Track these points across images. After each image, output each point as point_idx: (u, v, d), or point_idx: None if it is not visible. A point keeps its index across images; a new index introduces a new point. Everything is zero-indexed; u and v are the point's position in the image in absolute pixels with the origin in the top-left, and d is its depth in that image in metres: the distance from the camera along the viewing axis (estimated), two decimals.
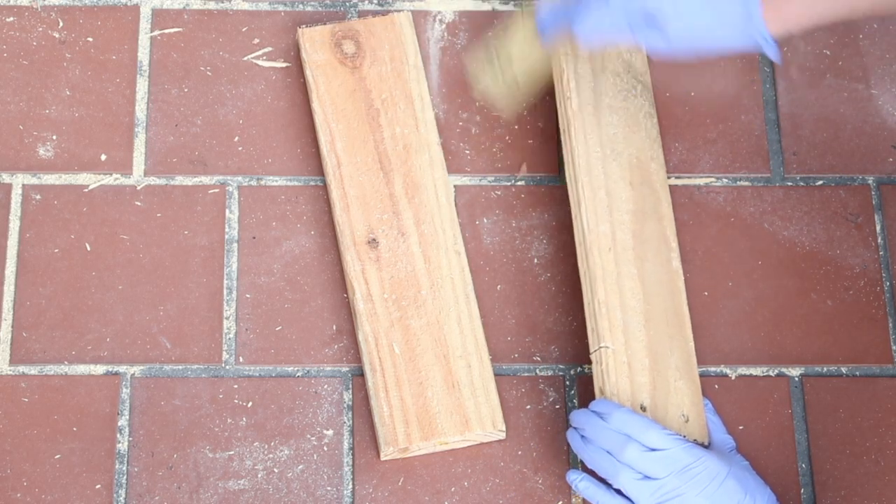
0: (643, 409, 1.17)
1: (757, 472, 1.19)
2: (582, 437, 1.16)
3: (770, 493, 1.15)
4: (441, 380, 1.22)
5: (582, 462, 1.20)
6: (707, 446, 1.18)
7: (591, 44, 1.20)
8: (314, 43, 1.34)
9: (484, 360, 1.23)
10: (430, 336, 1.23)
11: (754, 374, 1.26)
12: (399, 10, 1.38)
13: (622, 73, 1.30)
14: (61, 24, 1.37)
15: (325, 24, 1.35)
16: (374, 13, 1.38)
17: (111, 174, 1.32)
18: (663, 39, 1.15)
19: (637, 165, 1.26)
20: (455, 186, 1.31)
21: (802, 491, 1.21)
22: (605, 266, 1.21)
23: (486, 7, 1.39)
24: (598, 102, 1.28)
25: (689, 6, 1.14)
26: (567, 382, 1.25)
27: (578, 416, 1.17)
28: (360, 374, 1.25)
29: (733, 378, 1.25)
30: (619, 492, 1.14)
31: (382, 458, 1.20)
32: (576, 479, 1.16)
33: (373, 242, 1.26)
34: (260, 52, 1.37)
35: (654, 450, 1.12)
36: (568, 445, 1.23)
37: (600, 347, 1.19)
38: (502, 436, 1.21)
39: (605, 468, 1.13)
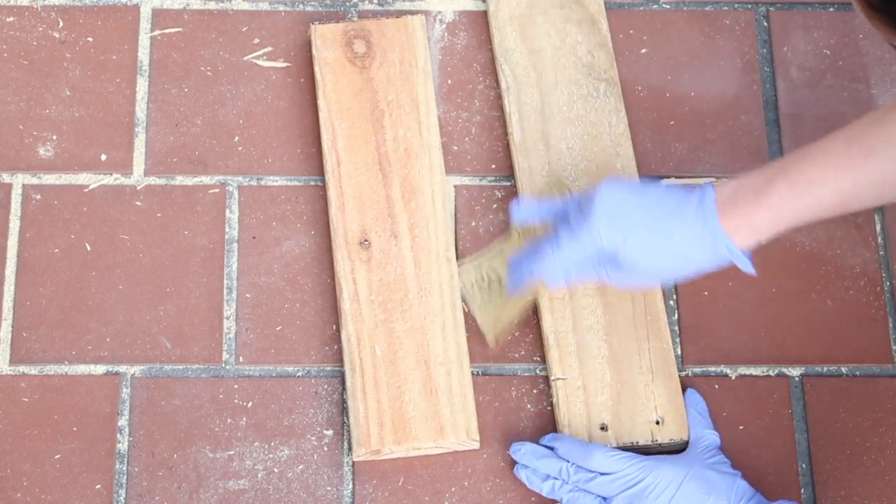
0: (603, 428, 1.20)
1: (755, 473, 1.19)
2: (535, 473, 1.19)
3: (743, 484, 1.15)
4: (420, 385, 1.22)
5: None
6: (686, 442, 1.20)
7: (560, 286, 1.21)
8: (325, 40, 1.34)
9: (464, 369, 1.22)
10: (413, 341, 1.23)
11: (754, 374, 1.26)
12: (401, 11, 1.38)
13: (581, 80, 1.31)
14: (61, 24, 1.37)
15: (336, 22, 1.35)
16: (375, 13, 1.38)
17: (111, 174, 1.32)
18: (630, 276, 1.15)
19: (596, 173, 1.27)
20: (455, 186, 1.31)
21: (802, 491, 1.21)
22: (553, 295, 1.24)
23: (486, 7, 1.39)
24: (547, 124, 1.29)
25: (646, 242, 1.13)
26: None
27: (528, 451, 1.19)
28: None
29: (733, 378, 1.25)
30: None
31: (354, 458, 1.20)
32: None
33: (365, 243, 1.26)
34: (260, 52, 1.37)
35: (603, 473, 1.15)
36: None
37: (554, 380, 1.22)
38: (476, 445, 1.21)
39: (563, 498, 1.17)
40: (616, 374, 1.22)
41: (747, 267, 1.13)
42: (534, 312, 1.26)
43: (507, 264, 1.22)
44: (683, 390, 1.22)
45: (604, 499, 1.16)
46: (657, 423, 1.20)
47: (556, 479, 1.17)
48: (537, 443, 1.20)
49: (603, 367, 1.22)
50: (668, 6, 1.40)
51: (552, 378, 1.22)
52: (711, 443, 1.19)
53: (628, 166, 1.29)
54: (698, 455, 1.18)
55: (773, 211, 1.11)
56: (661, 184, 1.15)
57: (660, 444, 1.20)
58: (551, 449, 1.19)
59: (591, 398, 1.21)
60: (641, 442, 1.20)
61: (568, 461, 1.17)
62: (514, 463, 1.21)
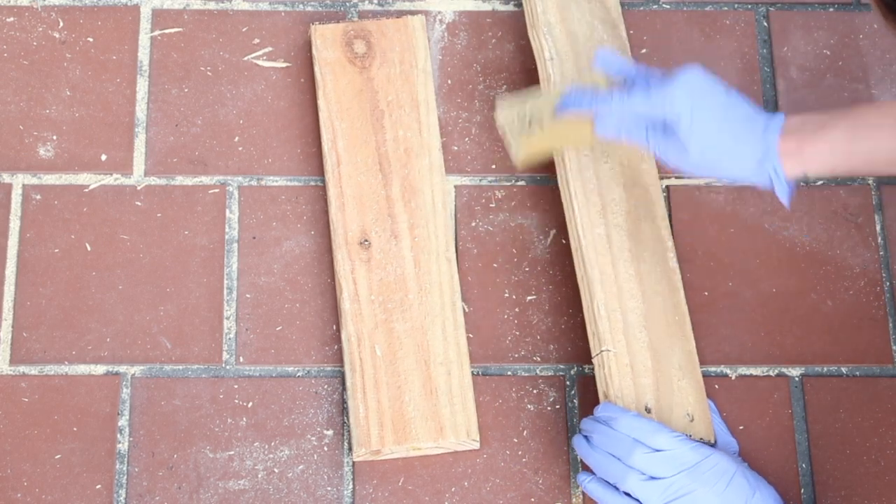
0: (648, 410, 1.17)
1: (756, 471, 1.19)
2: (588, 442, 1.16)
3: (776, 493, 1.15)
4: (420, 385, 1.22)
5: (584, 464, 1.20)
6: (713, 445, 1.19)
7: (608, 136, 1.19)
8: (325, 40, 1.34)
9: (464, 369, 1.22)
10: (413, 341, 1.23)
11: (754, 374, 1.26)
12: (401, 11, 1.38)
13: None
14: (61, 24, 1.37)
15: (336, 22, 1.35)
16: (375, 13, 1.38)
17: (111, 174, 1.32)
18: (677, 151, 1.16)
19: (628, 166, 1.27)
20: (455, 186, 1.31)
21: (802, 491, 1.21)
22: (603, 269, 1.22)
23: (487, 7, 1.39)
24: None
25: (708, 126, 1.14)
26: (567, 382, 1.25)
27: (586, 423, 1.17)
28: None
29: (733, 378, 1.25)
30: (628, 494, 1.13)
31: (354, 458, 1.20)
32: (585, 479, 1.16)
33: (365, 243, 1.26)
34: (260, 52, 1.37)
35: (661, 451, 1.12)
36: (568, 446, 1.23)
37: (602, 351, 1.19)
38: (476, 445, 1.21)
39: (613, 472, 1.13)
40: (655, 363, 1.20)
41: (783, 194, 1.15)
42: (544, 316, 1.26)
43: (552, 107, 1.21)
44: None
45: (652, 478, 1.12)
46: (691, 419, 1.18)
47: (605, 453, 1.14)
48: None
49: (644, 352, 1.20)
50: (668, 6, 1.40)
51: (601, 349, 1.20)
52: (736, 451, 1.19)
53: (652, 172, 1.28)
54: (734, 457, 1.18)
55: (828, 146, 1.13)
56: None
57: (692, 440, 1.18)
58: (603, 421, 1.16)
59: (637, 378, 1.19)
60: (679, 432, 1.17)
61: (626, 435, 1.14)
62: (514, 463, 1.22)
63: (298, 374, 1.25)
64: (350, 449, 1.22)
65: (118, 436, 1.23)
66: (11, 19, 1.37)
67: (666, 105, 1.14)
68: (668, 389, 1.19)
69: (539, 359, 1.26)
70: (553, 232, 1.30)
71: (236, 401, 1.24)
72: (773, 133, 1.14)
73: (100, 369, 1.25)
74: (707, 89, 1.15)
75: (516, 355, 1.26)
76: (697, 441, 1.14)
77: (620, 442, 1.13)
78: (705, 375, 1.25)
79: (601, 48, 1.25)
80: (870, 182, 1.32)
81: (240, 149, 1.33)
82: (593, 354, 1.20)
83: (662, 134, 1.16)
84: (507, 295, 1.28)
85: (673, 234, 1.29)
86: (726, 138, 1.15)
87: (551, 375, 1.25)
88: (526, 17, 1.33)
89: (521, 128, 1.21)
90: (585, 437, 1.16)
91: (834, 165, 1.14)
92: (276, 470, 1.22)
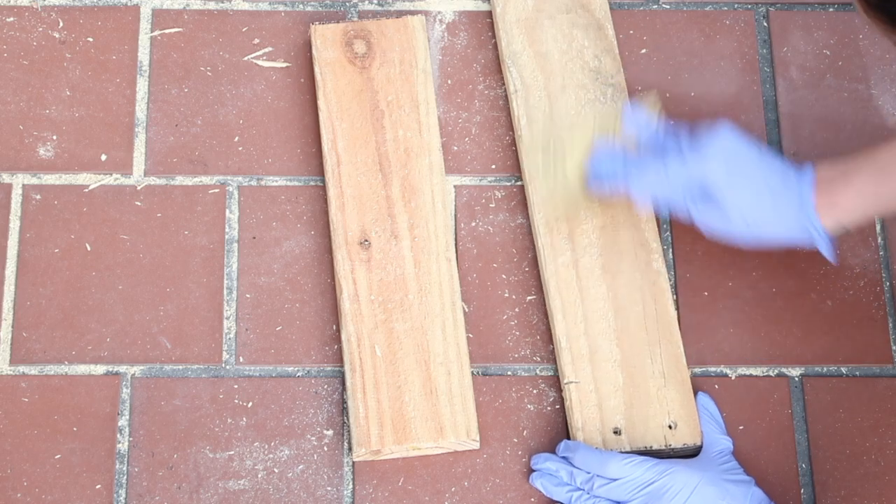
0: (617, 432, 1.20)
1: (755, 473, 1.19)
2: (553, 481, 1.18)
3: (758, 491, 1.15)
4: (420, 385, 1.22)
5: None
6: (699, 447, 1.19)
7: (645, 205, 1.22)
8: (325, 40, 1.34)
9: (464, 369, 1.22)
10: (412, 341, 1.23)
11: (754, 374, 1.26)
12: (401, 11, 1.38)
13: (588, 84, 1.31)
14: (61, 24, 1.37)
15: (336, 22, 1.35)
16: (375, 13, 1.38)
17: (111, 174, 1.32)
18: (717, 216, 1.17)
19: None
20: (455, 186, 1.31)
21: (802, 491, 1.21)
22: (565, 299, 1.24)
23: (487, 7, 1.39)
24: (556, 127, 1.30)
25: (747, 191, 1.16)
26: None
27: (546, 460, 1.19)
28: None
29: (733, 378, 1.25)
30: None
31: (354, 458, 1.20)
32: None
33: (365, 243, 1.26)
34: (260, 52, 1.37)
35: (616, 479, 1.15)
36: None
37: (566, 383, 1.22)
38: (476, 445, 1.21)
39: None
40: (629, 379, 1.22)
41: (828, 250, 1.17)
42: (544, 316, 1.26)
43: (579, 149, 1.22)
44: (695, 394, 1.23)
45: (617, 503, 1.15)
46: (670, 427, 1.20)
47: (573, 487, 1.17)
48: (554, 453, 1.20)
49: (615, 371, 1.22)
50: (668, 6, 1.40)
51: (564, 382, 1.22)
52: (724, 448, 1.19)
53: None
54: (712, 460, 1.18)
55: (857, 193, 1.14)
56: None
57: (673, 449, 1.20)
58: (565, 459, 1.19)
59: (604, 402, 1.21)
60: (655, 446, 1.19)
61: (583, 470, 1.17)
62: (514, 463, 1.22)
63: (298, 374, 1.25)
64: (350, 449, 1.22)
65: (118, 436, 1.23)
66: (11, 19, 1.37)
67: (703, 170, 1.16)
68: (644, 402, 1.21)
69: (539, 359, 1.26)
70: None
71: (236, 401, 1.24)
72: (807, 189, 1.16)
73: (100, 369, 1.25)
74: (741, 149, 1.17)
75: (516, 355, 1.26)
76: (653, 460, 1.15)
77: (581, 477, 1.17)
78: (705, 375, 1.25)
79: (628, 104, 1.25)
80: None
81: (240, 149, 1.33)
82: (561, 387, 1.23)
83: (701, 200, 1.17)
84: (507, 295, 1.28)
85: (672, 236, 1.29)
86: (765, 199, 1.16)
87: (551, 375, 1.25)
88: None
89: (546, 167, 1.23)
90: (549, 474, 1.19)
91: (864, 210, 1.15)
92: (276, 470, 1.22)
